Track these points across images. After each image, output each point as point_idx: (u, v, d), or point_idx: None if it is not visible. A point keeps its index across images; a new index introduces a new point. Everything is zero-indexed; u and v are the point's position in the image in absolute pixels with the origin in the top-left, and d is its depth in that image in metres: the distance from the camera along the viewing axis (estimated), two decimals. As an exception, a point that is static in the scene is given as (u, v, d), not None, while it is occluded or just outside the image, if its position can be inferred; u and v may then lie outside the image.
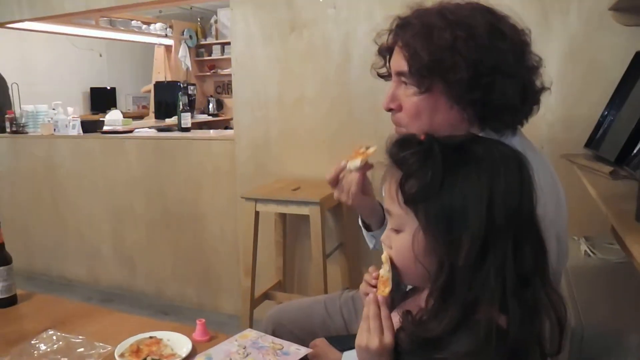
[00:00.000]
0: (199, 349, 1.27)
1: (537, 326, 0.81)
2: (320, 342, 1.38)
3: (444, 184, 0.79)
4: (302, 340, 1.38)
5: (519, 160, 0.83)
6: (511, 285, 0.77)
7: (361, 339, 0.86)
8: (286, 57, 2.88)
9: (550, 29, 2.29)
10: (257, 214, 2.60)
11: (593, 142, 2.20)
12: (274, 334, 1.47)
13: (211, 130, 4.12)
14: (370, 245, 1.49)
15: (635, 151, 1.79)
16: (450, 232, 0.78)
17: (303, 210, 2.50)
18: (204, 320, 1.34)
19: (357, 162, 1.25)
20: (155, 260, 3.52)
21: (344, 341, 1.40)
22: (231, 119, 7.14)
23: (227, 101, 7.31)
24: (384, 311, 0.87)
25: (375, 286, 0.92)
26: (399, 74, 1.17)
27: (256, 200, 2.58)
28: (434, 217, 0.80)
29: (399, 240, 0.86)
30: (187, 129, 3.58)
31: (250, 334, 1.33)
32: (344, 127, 2.81)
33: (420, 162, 0.82)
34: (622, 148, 1.81)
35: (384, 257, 0.89)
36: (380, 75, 1.33)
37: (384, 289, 0.88)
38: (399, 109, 1.19)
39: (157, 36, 6.42)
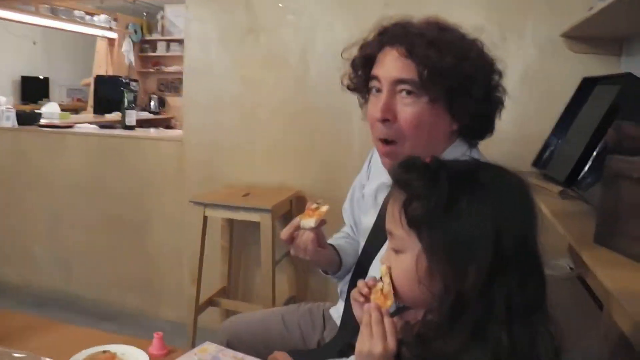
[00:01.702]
0: (156, 364, 1.21)
1: (536, 354, 0.80)
2: (281, 356, 1.35)
3: (449, 211, 0.78)
4: (259, 353, 1.34)
5: (525, 188, 0.83)
6: (517, 315, 0.77)
7: (363, 345, 0.84)
8: (243, 61, 2.84)
9: (507, 51, 2.36)
10: (205, 219, 2.54)
11: (541, 161, 2.27)
12: (229, 345, 1.43)
13: (151, 129, 3.99)
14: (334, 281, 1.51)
15: (583, 173, 1.86)
16: (456, 260, 0.78)
17: (254, 217, 2.46)
18: (161, 333, 1.28)
19: (311, 223, 1.26)
20: (94, 264, 3.36)
21: (303, 355, 1.38)
22: (172, 117, 7.01)
23: (169, 99, 7.15)
24: (386, 318, 0.85)
25: (366, 295, 0.91)
26: (399, 82, 1.15)
27: (205, 205, 2.52)
28: (438, 244, 0.79)
29: (400, 261, 0.85)
30: (131, 127, 3.45)
31: (210, 347, 1.28)
32: (297, 136, 2.79)
33: (425, 187, 0.81)
34: (572, 170, 1.88)
35: (383, 270, 0.88)
36: (350, 88, 1.32)
37: (386, 302, 0.87)
38: (394, 120, 1.17)
39: (100, 28, 6.18)
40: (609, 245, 1.21)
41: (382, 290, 0.89)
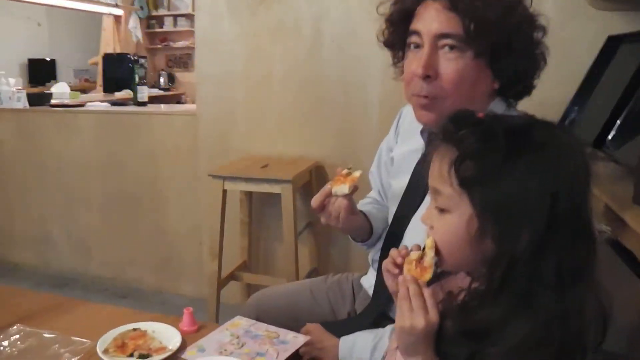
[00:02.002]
0: (187, 340, 1.19)
1: (583, 321, 0.77)
2: (315, 328, 1.33)
3: (505, 171, 0.73)
4: (288, 327, 1.32)
5: (582, 148, 0.78)
6: (567, 280, 0.73)
7: (403, 319, 0.79)
8: (255, 32, 2.77)
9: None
10: (224, 192, 2.51)
11: (565, 124, 2.22)
12: (258, 320, 1.41)
13: (162, 105, 3.95)
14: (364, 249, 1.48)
15: (612, 134, 1.81)
16: (509, 222, 0.73)
17: (274, 189, 2.43)
18: (191, 308, 1.26)
19: (344, 189, 1.22)
20: (111, 242, 3.36)
21: (336, 327, 1.36)
22: (183, 93, 6.97)
23: (179, 75, 7.10)
24: (426, 290, 0.81)
25: (400, 265, 0.86)
26: (442, 36, 1.10)
27: (224, 178, 2.49)
28: (492, 205, 0.74)
29: (446, 221, 0.80)
30: (143, 103, 3.41)
31: (241, 321, 1.26)
32: (313, 107, 2.74)
33: (480, 143, 0.75)
34: (601, 131, 1.83)
35: (429, 242, 0.83)
36: (388, 45, 1.27)
37: (424, 275, 0.82)
38: (436, 76, 1.12)
39: (106, 5, 6.09)
40: (650, 205, 1.17)
41: (418, 260, 0.84)
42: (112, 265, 3.39)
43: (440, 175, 0.79)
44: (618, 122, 1.79)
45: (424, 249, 0.84)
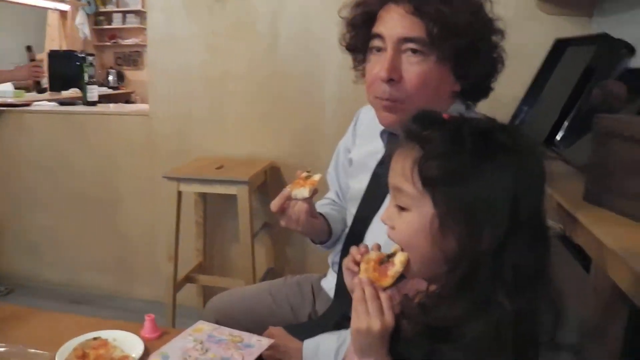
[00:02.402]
0: (150, 347, 1.16)
1: (537, 318, 0.80)
2: (278, 332, 1.33)
3: (469, 172, 0.75)
4: (248, 330, 1.31)
5: (539, 152, 0.81)
6: (524, 278, 0.75)
7: (360, 322, 0.80)
8: (210, 30, 2.74)
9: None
10: (179, 194, 2.47)
11: (515, 122, 2.28)
12: (218, 324, 1.40)
13: (111, 105, 3.84)
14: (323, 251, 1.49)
15: (562, 134, 1.88)
16: (472, 222, 0.75)
17: (230, 190, 2.41)
18: (152, 315, 1.23)
19: (304, 192, 1.22)
20: (64, 246, 3.25)
21: (299, 330, 1.37)
22: (132, 92, 6.81)
23: (128, 74, 6.93)
24: (382, 292, 0.82)
25: (359, 263, 0.86)
26: (405, 40, 1.11)
27: (179, 180, 2.45)
28: (455, 205, 0.75)
29: (406, 219, 0.81)
30: (93, 103, 3.31)
31: (204, 326, 1.25)
32: (268, 105, 2.73)
33: (446, 144, 0.76)
34: (550, 131, 1.90)
35: (402, 257, 0.82)
36: (350, 49, 1.28)
37: (384, 281, 0.83)
38: (399, 79, 1.13)
39: (51, 0, 5.89)
40: (599, 203, 1.22)
41: (377, 262, 0.85)
42: (65, 270, 3.28)
43: (402, 173, 0.80)
44: (566, 122, 1.86)
45: (389, 255, 0.84)
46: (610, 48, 1.85)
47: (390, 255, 0.83)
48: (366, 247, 0.88)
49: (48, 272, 3.31)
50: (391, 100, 1.16)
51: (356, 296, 0.82)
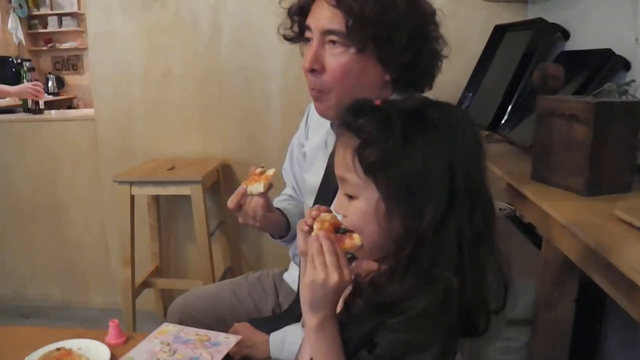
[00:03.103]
0: (116, 353, 1.15)
1: (485, 286, 0.82)
2: (243, 327, 1.34)
3: (404, 152, 0.77)
4: (214, 329, 1.31)
5: (471, 121, 0.83)
6: (467, 248, 0.78)
7: (316, 274, 0.79)
8: (149, 29, 2.69)
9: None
10: (132, 197, 2.43)
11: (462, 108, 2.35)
12: (182, 325, 1.39)
13: (52, 111, 3.71)
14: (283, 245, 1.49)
15: (505, 117, 1.95)
16: (413, 201, 0.77)
17: (183, 191, 2.38)
18: (117, 321, 1.21)
19: (259, 188, 1.23)
20: (8, 258, 3.12)
21: (264, 323, 1.38)
22: (74, 97, 6.59)
23: (68, 79, 6.69)
24: (340, 250, 0.82)
25: (311, 225, 0.86)
26: (327, 32, 1.13)
27: (131, 183, 2.40)
28: (395, 187, 0.78)
29: (355, 207, 0.83)
30: (39, 111, 3.17)
31: (169, 328, 1.24)
32: (214, 101, 2.72)
33: (379, 130, 0.78)
34: (495, 115, 1.96)
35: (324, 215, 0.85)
36: (287, 38, 1.29)
37: (343, 246, 0.83)
38: (322, 70, 1.16)
39: (-22, 5, 5.64)
40: (545, 180, 1.28)
41: (331, 223, 0.85)
42: (10, 283, 3.15)
43: (345, 163, 0.82)
44: (510, 106, 1.93)
45: (345, 230, 0.84)
46: (546, 32, 1.93)
47: (346, 231, 0.84)
48: (318, 208, 0.89)
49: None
50: (317, 90, 1.20)
51: (314, 249, 0.81)
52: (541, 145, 1.29)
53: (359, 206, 0.82)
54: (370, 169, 0.79)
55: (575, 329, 1.51)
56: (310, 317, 0.81)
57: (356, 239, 0.83)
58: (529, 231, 1.93)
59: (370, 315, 0.80)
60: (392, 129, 0.77)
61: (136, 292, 2.53)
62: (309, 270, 0.81)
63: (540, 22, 1.96)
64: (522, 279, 1.60)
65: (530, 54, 1.91)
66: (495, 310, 0.87)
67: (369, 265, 0.88)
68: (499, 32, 2.29)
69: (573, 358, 1.54)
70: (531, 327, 1.57)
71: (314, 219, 0.86)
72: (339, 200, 0.86)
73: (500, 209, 2.15)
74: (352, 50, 1.14)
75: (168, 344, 1.15)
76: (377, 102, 0.84)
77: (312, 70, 1.17)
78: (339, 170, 0.84)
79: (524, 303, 1.58)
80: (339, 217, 0.86)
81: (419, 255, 0.77)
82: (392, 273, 0.80)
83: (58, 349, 1.15)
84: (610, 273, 0.92)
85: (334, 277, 0.78)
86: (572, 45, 1.88)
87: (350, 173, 0.81)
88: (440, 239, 0.77)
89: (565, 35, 1.90)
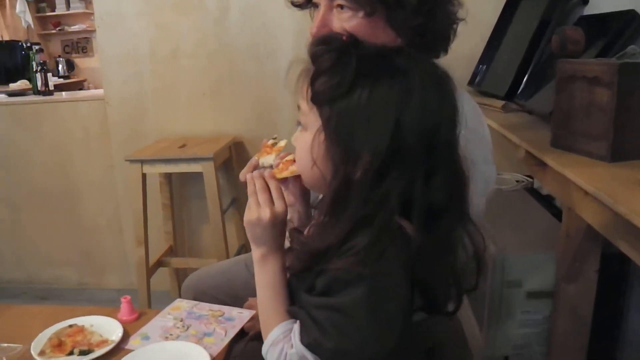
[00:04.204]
0: (129, 329, 1.14)
1: (451, 261, 0.80)
2: (256, 302, 1.32)
3: (352, 89, 0.74)
4: (228, 304, 1.30)
5: (444, 81, 0.79)
6: (419, 213, 0.74)
7: (250, 214, 0.85)
8: (157, 7, 2.65)
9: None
10: (144, 176, 2.41)
11: (476, 80, 2.30)
12: (195, 300, 1.37)
13: (63, 93, 3.70)
14: None
15: (522, 86, 1.90)
16: (350, 142, 0.74)
17: (195, 168, 2.36)
18: (129, 297, 1.20)
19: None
20: (23, 243, 3.13)
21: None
22: (84, 80, 6.58)
23: (78, 61, 6.67)
24: (272, 183, 0.86)
25: (255, 165, 0.93)
26: None
27: (142, 162, 2.38)
28: (335, 122, 0.75)
29: (303, 138, 0.82)
30: (49, 92, 3.16)
31: (182, 304, 1.23)
32: (224, 79, 2.68)
33: (332, 61, 0.77)
34: (511, 83, 1.91)
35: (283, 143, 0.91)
36: (295, 4, 1.25)
37: (280, 173, 0.87)
38: None
39: (-14, -12, 5.61)
40: (566, 147, 1.24)
41: (274, 149, 0.91)
42: (27, 266, 3.18)
43: (301, 91, 0.81)
44: (526, 75, 1.88)
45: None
46: (563, -2, 1.87)
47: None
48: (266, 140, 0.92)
49: (9, 271, 3.20)
50: None
51: (249, 191, 0.86)
52: (562, 111, 1.24)
53: (306, 137, 0.81)
54: (316, 99, 0.78)
55: (597, 302, 1.47)
56: (254, 251, 0.88)
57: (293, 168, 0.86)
58: (548, 203, 1.89)
59: (308, 266, 0.80)
60: (346, 64, 0.75)
61: (150, 271, 2.53)
62: (246, 211, 0.86)
63: (555, -13, 1.89)
64: (542, 250, 1.57)
65: (547, 21, 1.85)
66: (468, 290, 0.85)
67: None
68: (514, 1, 2.23)
69: (595, 332, 1.51)
70: (552, 300, 1.54)
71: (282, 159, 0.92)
72: (297, 131, 0.86)
73: (517, 181, 2.11)
74: (361, 14, 1.09)
75: (181, 320, 1.14)
76: (344, 37, 0.84)
77: None
78: (298, 99, 0.83)
79: (544, 275, 1.56)
80: None
81: (350, 202, 0.75)
82: (324, 221, 0.79)
83: (70, 326, 1.14)
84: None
85: (266, 214, 0.83)
86: (591, 9, 1.82)
87: (302, 101, 0.81)
88: (380, 193, 0.74)
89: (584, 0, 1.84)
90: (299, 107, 0.83)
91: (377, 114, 0.73)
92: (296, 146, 0.84)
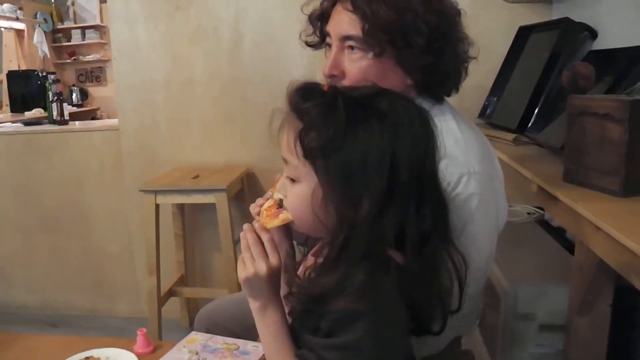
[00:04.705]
0: (145, 362, 1.15)
1: (436, 283, 0.82)
2: None
3: (345, 140, 0.76)
4: (241, 337, 1.30)
5: (423, 116, 0.82)
6: (412, 241, 0.77)
7: (246, 269, 0.85)
8: (172, 38, 2.72)
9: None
10: (157, 206, 2.44)
11: (486, 112, 2.32)
12: (208, 333, 1.38)
13: (77, 122, 3.76)
14: None
15: (533, 119, 1.91)
16: (351, 190, 0.76)
17: (208, 199, 2.39)
18: (144, 329, 1.21)
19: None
20: (36, 269, 3.16)
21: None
22: (97, 109, 6.68)
23: (91, 90, 6.79)
24: (264, 236, 0.86)
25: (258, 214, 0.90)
26: (345, 38, 1.12)
27: (156, 192, 2.41)
28: (333, 174, 0.77)
29: (295, 190, 0.83)
30: (63, 122, 3.22)
31: (197, 337, 1.23)
32: (237, 110, 2.73)
33: (322, 116, 0.78)
34: (522, 116, 1.93)
35: (277, 195, 0.88)
36: (309, 45, 1.28)
37: (272, 222, 0.87)
38: (342, 76, 1.14)
39: (5, 19, 5.71)
40: (578, 181, 1.24)
41: (273, 205, 0.88)
42: (38, 293, 3.19)
43: (288, 146, 0.82)
44: (537, 108, 1.90)
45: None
46: (573, 32, 1.89)
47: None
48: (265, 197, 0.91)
49: (21, 297, 3.22)
50: None
51: (242, 246, 0.87)
52: (573, 146, 1.25)
53: (299, 190, 0.82)
54: (310, 154, 0.79)
55: (611, 335, 1.46)
56: (251, 303, 0.88)
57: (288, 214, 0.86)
58: (559, 235, 1.89)
59: (309, 309, 0.81)
60: (336, 116, 0.77)
61: (162, 300, 2.53)
62: (240, 265, 0.87)
63: (566, 21, 1.92)
64: (554, 283, 1.57)
65: (557, 55, 1.88)
66: (451, 311, 0.88)
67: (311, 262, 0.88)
68: (524, 34, 2.26)
69: (609, 366, 1.49)
70: (565, 333, 1.54)
71: (261, 206, 0.91)
72: (282, 182, 0.87)
73: (529, 213, 2.11)
74: (370, 54, 1.12)
75: (197, 353, 1.14)
76: (326, 87, 0.84)
77: (331, 76, 1.16)
78: (283, 152, 0.84)
79: (556, 308, 1.55)
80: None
81: (352, 245, 0.76)
82: (326, 264, 0.80)
83: (87, 358, 1.15)
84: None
85: (262, 268, 0.83)
86: (600, 44, 1.84)
87: (292, 156, 0.81)
88: (379, 231, 0.76)
89: (593, 34, 1.87)
90: (285, 160, 0.84)
91: (371, 162, 0.76)
92: (288, 197, 0.85)
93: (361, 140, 0.76)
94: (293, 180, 0.83)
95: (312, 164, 0.79)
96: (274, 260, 0.84)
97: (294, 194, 0.83)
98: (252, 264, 0.84)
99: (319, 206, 0.79)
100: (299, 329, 0.86)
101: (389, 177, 0.75)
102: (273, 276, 0.85)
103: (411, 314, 0.80)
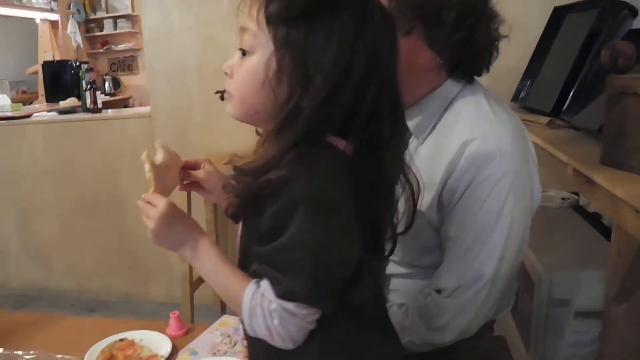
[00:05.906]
0: (177, 344, 1.16)
1: (389, 199, 0.82)
2: None
3: (312, 15, 0.74)
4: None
5: (392, 18, 0.81)
6: (357, 128, 0.76)
7: (149, 229, 0.84)
8: (206, 22, 2.72)
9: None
10: (189, 192, 2.46)
11: (520, 95, 2.27)
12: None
13: (109, 110, 3.83)
14: None
15: (568, 102, 1.86)
16: (306, 64, 0.74)
17: (240, 184, 2.39)
18: (177, 312, 1.23)
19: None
20: (73, 254, 3.25)
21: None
22: (130, 97, 6.77)
23: (124, 79, 6.88)
24: (144, 196, 0.88)
25: None
26: None
27: (188, 178, 2.43)
28: (292, 44, 0.74)
29: (247, 64, 0.79)
30: (97, 110, 3.28)
31: (229, 320, 1.24)
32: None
33: None
34: (557, 99, 1.88)
35: (143, 156, 0.91)
36: None
37: (150, 189, 0.89)
38: None
39: (40, 10, 5.82)
40: (617, 164, 1.20)
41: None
42: (76, 277, 3.28)
43: (249, 13, 0.79)
44: (573, 90, 1.85)
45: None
46: (612, 10, 1.83)
47: None
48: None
49: (60, 281, 3.32)
50: None
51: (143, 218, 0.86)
52: (613, 128, 1.22)
53: (251, 61, 0.79)
54: (272, 20, 0.75)
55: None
56: (181, 255, 0.84)
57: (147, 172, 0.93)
58: (595, 220, 1.85)
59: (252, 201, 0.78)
60: None
61: (194, 285, 2.56)
62: (149, 233, 0.85)
63: (605, 0, 1.86)
64: (590, 269, 1.54)
65: (595, 35, 1.82)
66: (400, 232, 0.87)
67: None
68: (559, 14, 2.19)
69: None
70: (602, 320, 1.50)
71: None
72: (232, 57, 0.83)
73: (563, 199, 2.07)
74: (398, 34, 1.10)
75: (229, 336, 1.15)
76: None
77: None
78: (241, 21, 0.81)
79: (592, 294, 1.52)
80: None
81: (296, 121, 0.74)
82: (266, 140, 0.78)
83: (121, 340, 1.17)
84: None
85: (155, 215, 0.83)
86: (640, 23, 1.78)
87: (251, 22, 0.78)
88: (324, 113, 0.74)
89: (634, 12, 1.80)
90: (242, 29, 0.81)
91: (334, 36, 0.74)
92: (237, 75, 0.82)
93: (328, 18, 0.74)
94: (245, 53, 0.80)
95: (273, 31, 0.76)
96: (160, 203, 0.84)
97: (244, 70, 0.80)
98: (147, 221, 0.84)
99: (270, 79, 0.76)
100: (247, 244, 0.83)
101: (346, 61, 0.73)
102: (172, 216, 0.84)
103: (364, 227, 0.77)
